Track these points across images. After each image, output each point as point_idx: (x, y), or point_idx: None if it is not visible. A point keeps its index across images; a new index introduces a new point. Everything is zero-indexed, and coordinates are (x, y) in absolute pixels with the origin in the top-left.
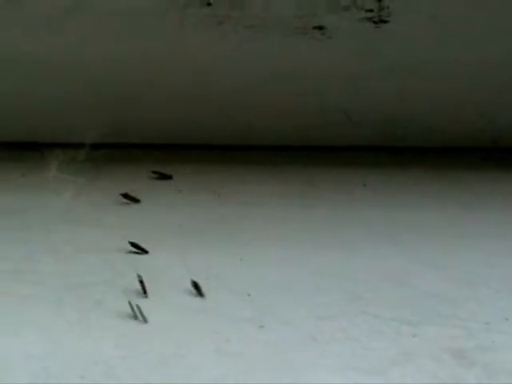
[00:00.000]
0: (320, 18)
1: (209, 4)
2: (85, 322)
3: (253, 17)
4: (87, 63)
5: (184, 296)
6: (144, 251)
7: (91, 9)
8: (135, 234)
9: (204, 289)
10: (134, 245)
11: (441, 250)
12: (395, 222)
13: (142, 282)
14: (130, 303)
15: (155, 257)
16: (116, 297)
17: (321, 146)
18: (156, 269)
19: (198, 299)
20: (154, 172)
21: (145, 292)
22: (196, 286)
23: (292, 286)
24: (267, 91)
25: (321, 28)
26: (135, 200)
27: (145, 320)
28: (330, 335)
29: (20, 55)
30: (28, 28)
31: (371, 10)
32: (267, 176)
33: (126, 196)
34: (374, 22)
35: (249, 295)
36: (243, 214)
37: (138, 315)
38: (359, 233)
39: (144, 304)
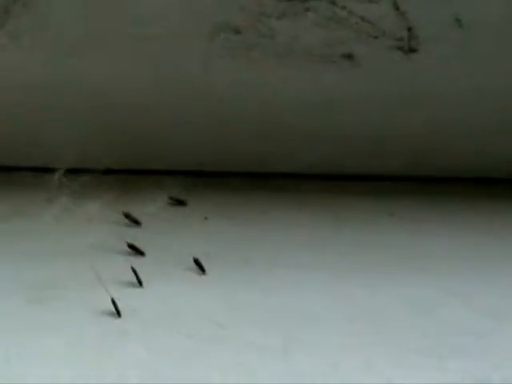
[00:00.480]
0: (349, 47)
1: (238, 31)
2: (107, 349)
3: (281, 44)
4: (107, 89)
5: (205, 325)
6: (141, 253)
7: (118, 34)
8: (151, 260)
9: (224, 317)
10: (130, 246)
11: (468, 280)
12: (422, 251)
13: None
14: None
15: (172, 285)
16: (140, 326)
17: (347, 174)
18: (174, 297)
19: (220, 328)
20: (171, 198)
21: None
22: (197, 262)
23: (315, 315)
24: (294, 119)
25: (349, 56)
26: (136, 222)
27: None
28: (353, 365)
29: (42, 82)
30: (49, 55)
31: (401, 39)
32: (293, 204)
33: (127, 216)
34: (404, 51)
35: (270, 323)
36: (264, 240)
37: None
38: (385, 262)
39: (167, 333)
